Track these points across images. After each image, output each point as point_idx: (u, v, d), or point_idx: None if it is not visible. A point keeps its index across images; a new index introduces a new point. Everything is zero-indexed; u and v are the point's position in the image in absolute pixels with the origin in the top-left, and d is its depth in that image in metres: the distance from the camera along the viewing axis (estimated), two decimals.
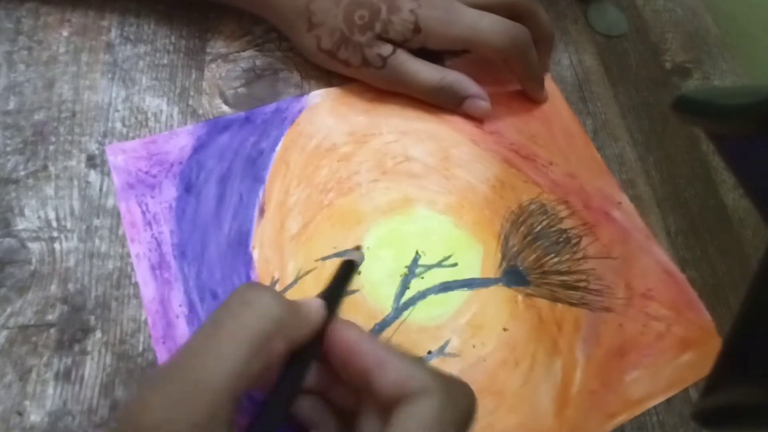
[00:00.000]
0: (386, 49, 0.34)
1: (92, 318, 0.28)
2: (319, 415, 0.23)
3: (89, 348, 0.27)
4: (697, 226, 0.36)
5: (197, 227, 0.30)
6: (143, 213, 0.30)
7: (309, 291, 0.30)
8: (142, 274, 0.29)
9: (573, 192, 0.35)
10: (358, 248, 0.30)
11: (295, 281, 0.30)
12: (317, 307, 0.22)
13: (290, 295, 0.30)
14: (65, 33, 0.35)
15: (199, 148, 0.33)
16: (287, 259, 0.30)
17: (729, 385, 0.19)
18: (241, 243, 0.30)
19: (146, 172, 0.32)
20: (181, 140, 0.33)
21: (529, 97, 0.38)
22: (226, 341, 0.17)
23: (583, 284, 0.32)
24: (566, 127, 0.37)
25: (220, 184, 0.32)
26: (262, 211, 0.31)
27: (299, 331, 0.20)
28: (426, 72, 0.35)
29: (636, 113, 0.39)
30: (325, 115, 0.35)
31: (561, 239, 0.34)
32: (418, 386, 0.19)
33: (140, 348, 0.27)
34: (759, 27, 0.44)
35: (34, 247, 0.29)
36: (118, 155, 0.32)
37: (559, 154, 0.36)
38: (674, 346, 0.31)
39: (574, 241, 0.34)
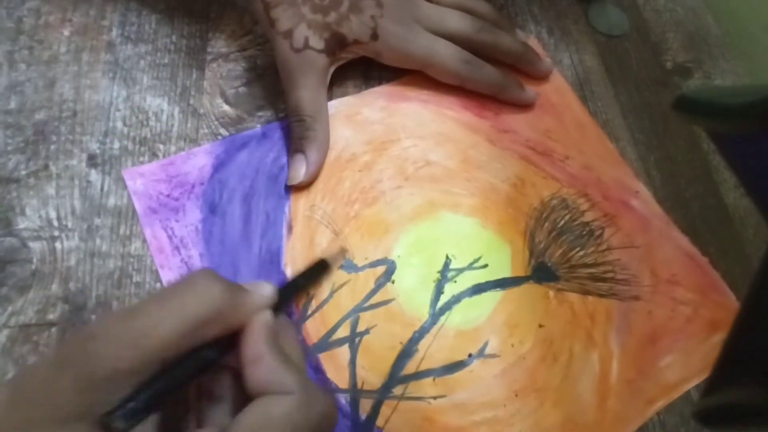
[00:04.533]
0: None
1: (93, 317, 0.28)
2: (227, 391, 0.23)
3: None
4: (698, 225, 0.36)
5: (227, 249, 0.30)
6: (170, 238, 0.30)
7: (344, 304, 0.30)
8: None
9: (591, 184, 0.36)
10: (343, 250, 0.30)
11: (330, 295, 0.30)
12: (263, 297, 0.22)
13: (327, 309, 0.30)
14: (66, 32, 0.35)
15: (218, 167, 0.32)
16: None
17: (730, 384, 0.19)
18: (272, 262, 0.30)
19: (168, 195, 0.31)
20: (199, 160, 0.32)
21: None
22: (166, 314, 0.19)
23: (610, 275, 0.33)
24: (578, 120, 0.38)
25: (245, 203, 0.31)
26: (290, 228, 0.31)
27: (235, 321, 0.21)
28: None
29: (637, 113, 0.39)
30: (340, 125, 0.35)
31: (584, 232, 0.34)
32: (279, 386, 0.20)
33: None
34: (760, 27, 0.44)
35: (35, 246, 0.29)
36: (136, 180, 0.31)
37: (574, 148, 0.37)
38: (703, 329, 0.32)
39: (597, 233, 0.34)
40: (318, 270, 0.27)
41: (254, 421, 0.19)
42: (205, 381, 0.23)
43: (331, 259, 0.28)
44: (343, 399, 0.28)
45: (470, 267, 0.32)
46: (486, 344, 0.30)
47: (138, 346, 0.19)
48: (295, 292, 0.25)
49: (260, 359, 0.21)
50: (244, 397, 0.21)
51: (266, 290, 0.23)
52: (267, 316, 0.22)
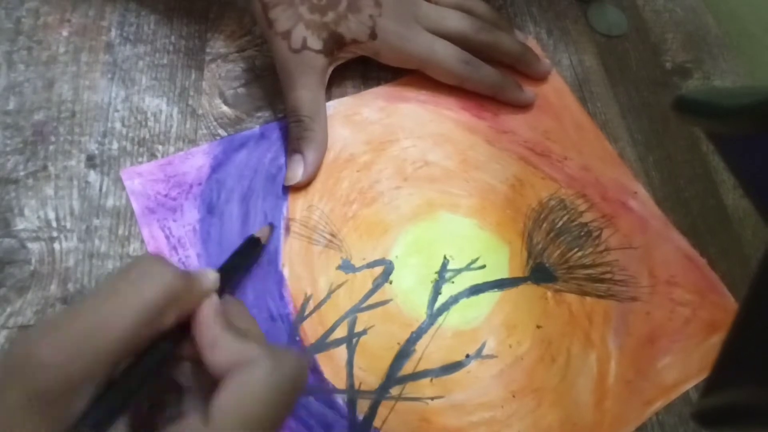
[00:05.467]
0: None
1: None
2: (191, 379, 0.22)
3: None
4: (697, 226, 0.36)
5: (224, 249, 0.30)
6: (167, 237, 0.30)
7: (342, 305, 0.30)
8: None
9: (589, 185, 0.36)
10: (270, 226, 0.30)
11: (328, 296, 0.30)
12: (210, 282, 0.22)
13: (325, 309, 0.30)
14: (65, 33, 0.35)
15: (216, 167, 0.32)
16: (318, 274, 0.30)
17: (728, 385, 0.19)
18: (270, 262, 0.30)
19: (165, 195, 0.31)
20: (197, 160, 0.32)
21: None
22: (120, 308, 0.18)
23: (608, 276, 0.33)
24: (576, 121, 0.38)
25: (243, 204, 0.31)
26: (288, 228, 0.31)
27: (189, 305, 0.21)
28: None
29: (636, 113, 0.39)
30: (339, 126, 0.35)
31: (583, 233, 0.34)
32: (245, 360, 0.20)
33: None
34: (759, 27, 0.44)
35: (34, 247, 0.29)
36: (134, 179, 0.31)
37: (573, 148, 0.37)
38: (702, 330, 0.32)
39: (595, 233, 0.34)
40: (250, 248, 0.27)
41: (232, 397, 0.19)
42: (166, 375, 0.22)
43: (261, 236, 0.27)
44: (341, 399, 0.28)
45: (468, 268, 0.32)
46: (484, 345, 0.30)
47: (89, 347, 0.17)
48: (234, 273, 0.25)
49: (217, 341, 0.20)
50: (209, 382, 0.20)
51: (211, 275, 0.22)
52: (214, 299, 0.21)
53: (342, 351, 0.29)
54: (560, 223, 0.34)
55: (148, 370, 0.19)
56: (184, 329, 0.21)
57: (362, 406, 0.28)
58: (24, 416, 0.16)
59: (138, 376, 0.19)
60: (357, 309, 0.30)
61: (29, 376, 0.16)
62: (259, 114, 0.35)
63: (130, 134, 0.33)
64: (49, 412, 0.16)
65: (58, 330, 0.17)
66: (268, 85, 0.35)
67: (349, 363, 0.29)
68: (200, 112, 0.34)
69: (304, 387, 0.22)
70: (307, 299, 0.30)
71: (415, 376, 0.29)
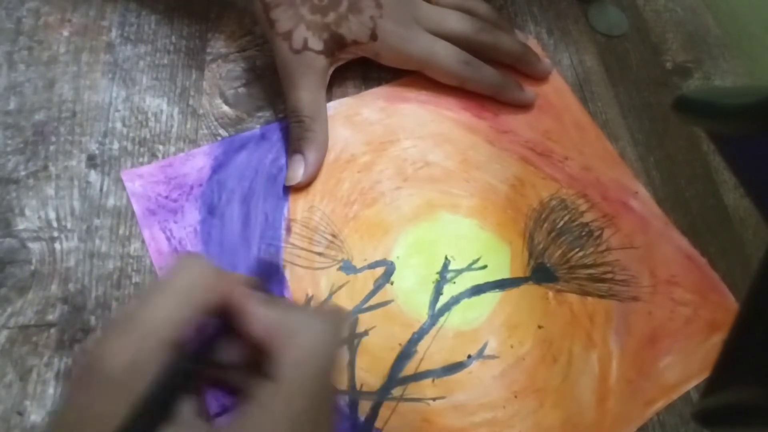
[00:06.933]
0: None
1: (93, 318, 0.28)
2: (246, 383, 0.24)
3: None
4: (698, 226, 0.36)
5: (225, 250, 0.30)
6: (168, 239, 0.30)
7: (343, 305, 0.30)
8: None
9: (590, 185, 0.36)
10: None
11: (330, 296, 0.30)
12: (237, 276, 0.24)
13: None
14: (66, 33, 0.35)
15: (217, 168, 0.32)
16: (319, 275, 0.30)
17: (729, 385, 0.19)
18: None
19: (166, 197, 0.31)
20: (198, 161, 0.32)
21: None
22: (161, 296, 0.21)
23: (609, 276, 0.33)
24: (577, 121, 0.38)
25: (244, 205, 0.31)
26: (289, 229, 0.31)
27: (222, 285, 0.22)
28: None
29: (636, 113, 0.39)
30: (339, 126, 0.35)
31: (584, 233, 0.34)
32: (291, 323, 0.22)
33: None
34: (760, 27, 0.44)
35: (35, 247, 0.29)
36: (135, 181, 0.31)
37: (573, 148, 0.37)
38: (703, 329, 0.32)
39: (596, 233, 0.34)
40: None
41: (292, 358, 0.21)
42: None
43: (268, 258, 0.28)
44: (342, 401, 0.28)
45: (469, 268, 0.32)
46: (485, 345, 0.30)
47: (149, 336, 0.20)
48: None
49: (254, 312, 0.22)
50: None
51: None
52: (244, 288, 0.23)
53: (343, 352, 0.29)
54: (561, 223, 0.34)
55: (170, 385, 0.21)
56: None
57: (364, 407, 0.28)
58: (101, 398, 0.19)
59: (160, 392, 0.20)
60: (358, 310, 0.30)
61: (102, 371, 0.19)
62: (259, 114, 0.35)
63: (131, 134, 0.33)
64: (119, 393, 0.19)
65: (120, 329, 0.20)
66: (269, 85, 0.35)
67: (351, 364, 0.29)
68: (201, 112, 0.34)
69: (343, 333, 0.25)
70: (308, 300, 0.30)
71: (417, 376, 0.29)
